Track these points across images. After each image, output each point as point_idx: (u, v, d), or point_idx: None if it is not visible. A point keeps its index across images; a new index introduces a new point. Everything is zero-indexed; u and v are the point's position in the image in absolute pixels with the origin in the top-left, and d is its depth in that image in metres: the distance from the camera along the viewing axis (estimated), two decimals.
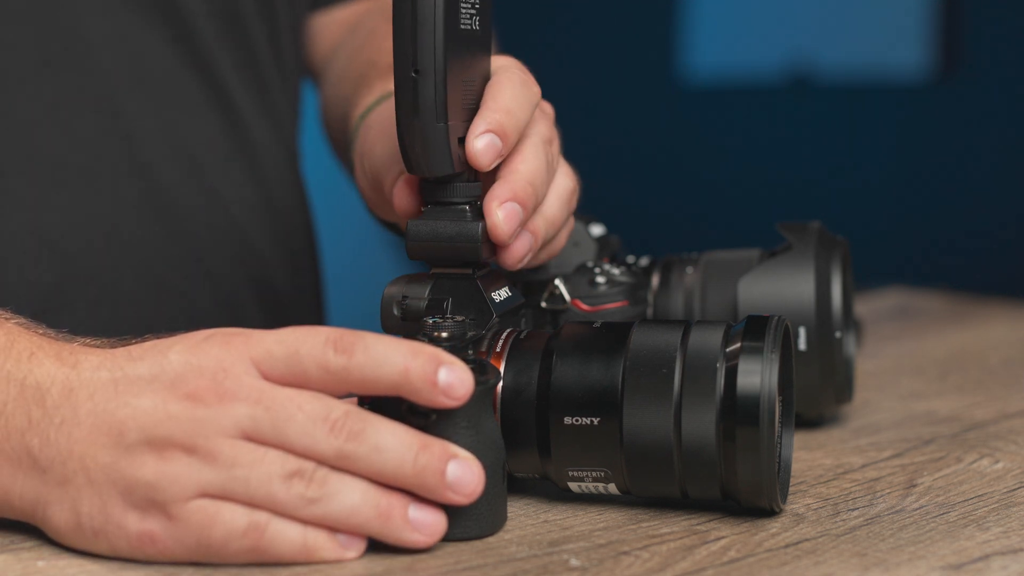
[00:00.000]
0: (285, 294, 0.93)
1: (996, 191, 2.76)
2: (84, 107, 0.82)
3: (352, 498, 0.53)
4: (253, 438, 0.53)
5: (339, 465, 0.53)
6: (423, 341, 0.57)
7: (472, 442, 0.56)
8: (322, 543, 0.54)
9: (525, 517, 0.60)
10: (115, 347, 0.57)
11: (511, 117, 0.62)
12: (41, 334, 0.59)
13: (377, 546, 0.56)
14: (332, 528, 0.54)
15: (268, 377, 0.54)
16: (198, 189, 0.86)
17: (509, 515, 0.60)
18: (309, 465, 0.53)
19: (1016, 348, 1.01)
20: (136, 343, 0.57)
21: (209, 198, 0.87)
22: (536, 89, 0.66)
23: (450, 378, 0.53)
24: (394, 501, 0.54)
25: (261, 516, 0.53)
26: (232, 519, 0.53)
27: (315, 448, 0.53)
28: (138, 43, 0.84)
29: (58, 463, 0.54)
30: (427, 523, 0.54)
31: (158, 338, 0.57)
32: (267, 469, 0.53)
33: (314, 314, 0.99)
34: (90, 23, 0.82)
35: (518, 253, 0.63)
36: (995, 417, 0.78)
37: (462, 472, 0.54)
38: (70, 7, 0.81)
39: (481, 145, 0.61)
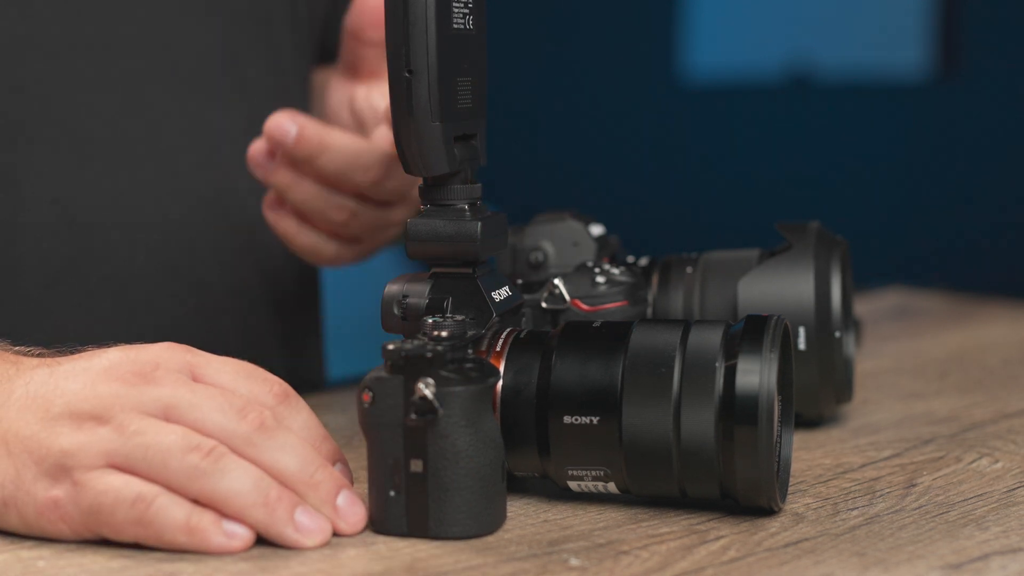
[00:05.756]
0: (290, 289, 0.94)
1: (996, 191, 2.76)
2: (112, 87, 0.83)
3: (243, 481, 0.54)
4: (169, 418, 0.55)
5: (242, 451, 0.55)
6: (423, 340, 0.57)
7: (471, 441, 0.56)
8: (206, 525, 0.54)
9: (525, 516, 0.60)
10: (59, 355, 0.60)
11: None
12: None
13: (377, 546, 0.56)
14: (218, 509, 0.55)
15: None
16: (215, 180, 0.88)
17: (509, 514, 0.60)
18: (210, 443, 0.55)
19: (1016, 348, 1.01)
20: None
21: (226, 190, 0.88)
22: None
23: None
24: (283, 496, 0.55)
25: (151, 489, 0.54)
26: (124, 488, 0.54)
27: (224, 428, 0.55)
28: (171, 32, 0.86)
29: None
30: (311, 528, 0.55)
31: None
32: (169, 440, 0.54)
33: (315, 313, 0.99)
34: (124, 6, 0.83)
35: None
36: (994, 417, 0.78)
37: (351, 505, 0.57)
38: None
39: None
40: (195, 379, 0.57)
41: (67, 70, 0.81)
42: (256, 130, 0.90)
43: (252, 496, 0.54)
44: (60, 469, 0.55)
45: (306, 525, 0.55)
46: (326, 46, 1.00)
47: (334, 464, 0.59)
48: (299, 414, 0.59)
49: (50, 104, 0.81)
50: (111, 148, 0.83)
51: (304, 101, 0.96)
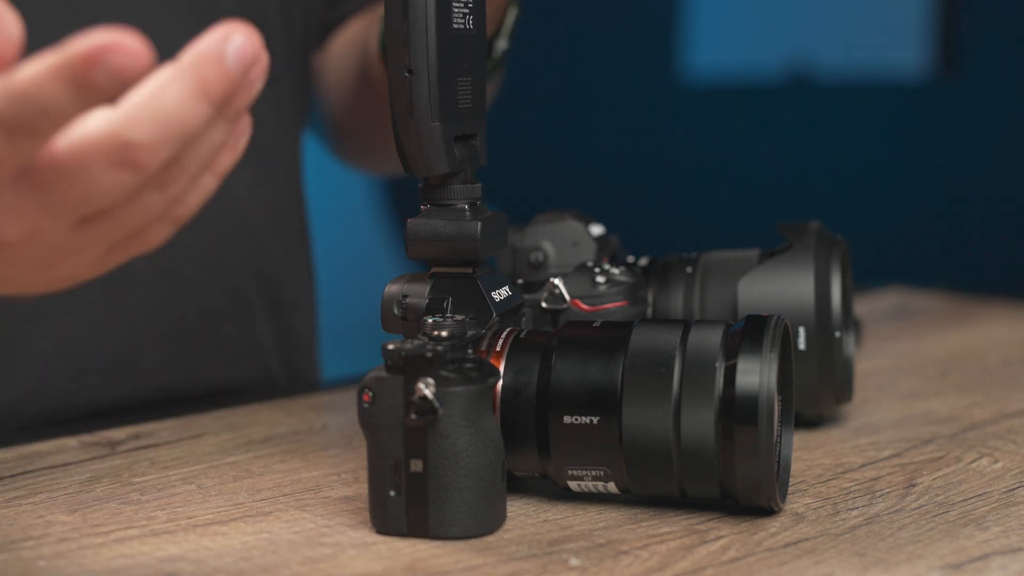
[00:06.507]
0: (288, 293, 0.94)
1: (996, 191, 2.76)
2: None
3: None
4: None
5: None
6: (423, 340, 0.57)
7: (471, 441, 0.56)
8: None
9: (525, 516, 0.60)
10: None
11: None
12: None
13: (377, 546, 0.56)
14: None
15: None
16: None
17: (509, 514, 0.60)
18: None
19: (1016, 348, 1.01)
20: None
21: (223, 193, 0.88)
22: None
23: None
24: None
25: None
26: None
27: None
28: (163, 37, 0.85)
29: None
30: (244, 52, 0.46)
31: None
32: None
33: (311, 315, 0.99)
34: (114, 13, 0.83)
35: None
36: (994, 417, 0.78)
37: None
38: None
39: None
40: None
41: None
42: (251, 136, 0.90)
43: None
44: None
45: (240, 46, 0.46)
46: (329, 25, 1.00)
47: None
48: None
49: None
50: None
51: (297, 99, 0.96)
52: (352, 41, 0.96)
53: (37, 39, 0.80)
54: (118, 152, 0.46)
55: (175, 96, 0.46)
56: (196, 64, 0.47)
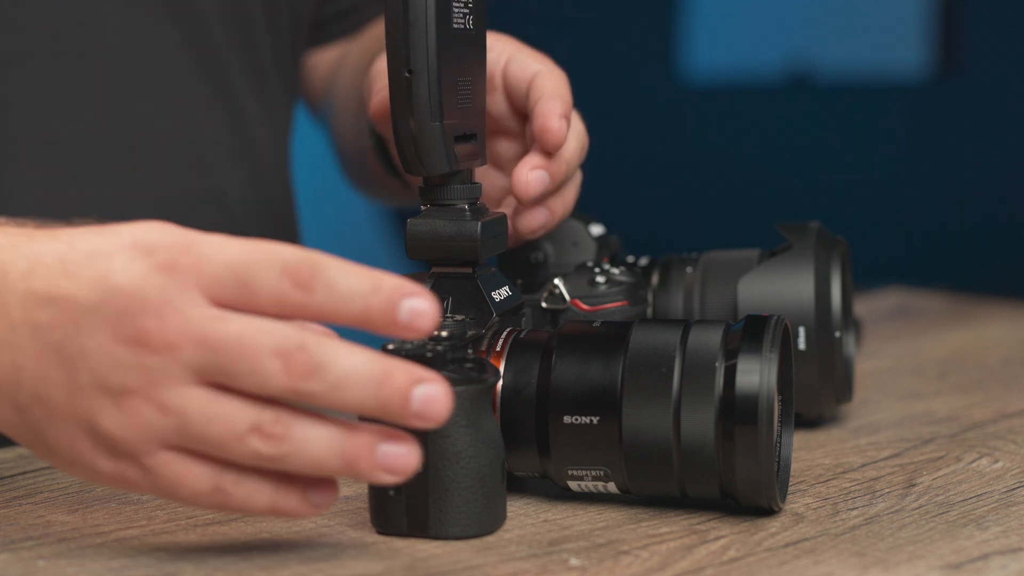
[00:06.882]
0: None
1: (996, 191, 2.76)
2: (94, 98, 0.83)
3: (315, 450, 0.50)
4: (206, 381, 0.50)
5: (297, 403, 0.51)
6: (423, 340, 0.57)
7: (471, 441, 0.56)
8: (293, 505, 0.52)
9: (525, 516, 0.60)
10: (41, 232, 0.54)
11: (567, 168, 0.69)
12: None
13: (377, 546, 0.56)
14: (300, 480, 0.52)
15: (218, 303, 0.50)
16: (202, 185, 0.87)
17: (509, 514, 0.60)
18: (267, 416, 0.50)
19: (1016, 348, 1.01)
20: (63, 229, 0.54)
21: (213, 195, 0.88)
22: (582, 130, 0.72)
23: (411, 316, 0.50)
24: (361, 443, 0.51)
25: (227, 477, 0.51)
26: (198, 480, 0.51)
27: (266, 388, 0.50)
28: (150, 39, 0.85)
29: (7, 387, 0.52)
30: (396, 462, 0.51)
31: (85, 223, 0.53)
32: (220, 428, 0.50)
33: None
34: (103, 16, 0.83)
35: (533, 223, 0.68)
36: (994, 417, 0.78)
37: (427, 398, 0.50)
38: (83, 0, 0.82)
39: (532, 177, 0.66)
40: (213, 301, 0.50)
41: (48, 83, 0.81)
42: (239, 133, 0.90)
43: (328, 464, 0.51)
44: (117, 451, 0.51)
45: (391, 460, 0.51)
46: (319, 22, 0.99)
47: (399, 301, 0.50)
48: (330, 285, 0.50)
49: (33, 118, 0.81)
50: (95, 159, 0.82)
51: (285, 99, 0.96)
52: (352, 93, 0.91)
53: (27, 48, 0.80)
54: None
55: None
56: None
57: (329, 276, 0.50)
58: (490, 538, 0.57)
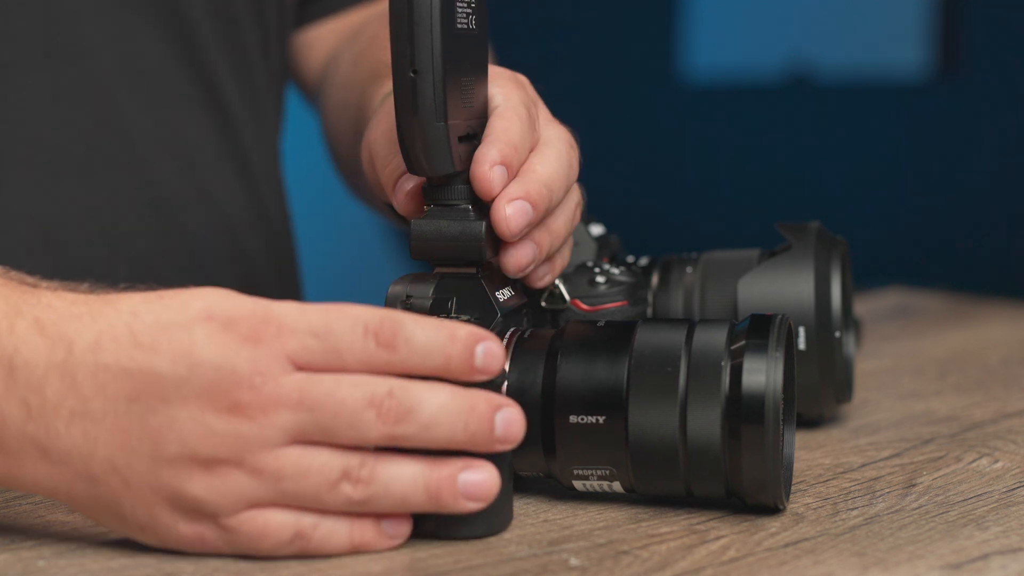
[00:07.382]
0: (272, 293, 0.93)
1: (996, 191, 2.76)
2: (82, 101, 0.82)
3: (401, 487, 0.52)
4: (301, 441, 0.52)
5: (389, 446, 0.52)
6: None
7: None
8: (370, 539, 0.54)
9: (525, 516, 0.60)
10: (99, 301, 0.53)
11: (549, 192, 0.62)
12: (5, 282, 0.55)
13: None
14: (381, 516, 0.54)
15: (306, 368, 0.52)
16: (191, 186, 0.87)
17: None
18: (353, 461, 0.52)
19: (1016, 348, 1.01)
20: (125, 294, 0.54)
21: (202, 196, 0.88)
22: (575, 155, 0.66)
23: (486, 360, 0.52)
24: (443, 475, 0.53)
25: (307, 521, 0.52)
26: (279, 531, 0.52)
27: (364, 438, 0.52)
28: (136, 41, 0.85)
29: (78, 459, 0.52)
30: (477, 489, 0.53)
31: (149, 290, 0.54)
32: (314, 480, 0.52)
33: None
34: (88, 19, 0.82)
35: (520, 260, 0.62)
36: (994, 417, 0.79)
37: (507, 423, 0.53)
38: (70, 2, 0.81)
39: (511, 211, 0.60)
40: (300, 367, 0.51)
41: (35, 85, 0.81)
42: (227, 133, 0.89)
43: (414, 500, 0.53)
44: (199, 513, 0.52)
45: (473, 488, 0.53)
46: (307, 8, 0.99)
47: (472, 353, 0.52)
48: (411, 341, 0.52)
49: (21, 121, 0.80)
50: (84, 163, 0.82)
51: (272, 98, 0.95)
52: (348, 103, 0.90)
53: (14, 50, 0.79)
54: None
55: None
56: None
57: (408, 332, 0.52)
58: (490, 538, 0.57)
